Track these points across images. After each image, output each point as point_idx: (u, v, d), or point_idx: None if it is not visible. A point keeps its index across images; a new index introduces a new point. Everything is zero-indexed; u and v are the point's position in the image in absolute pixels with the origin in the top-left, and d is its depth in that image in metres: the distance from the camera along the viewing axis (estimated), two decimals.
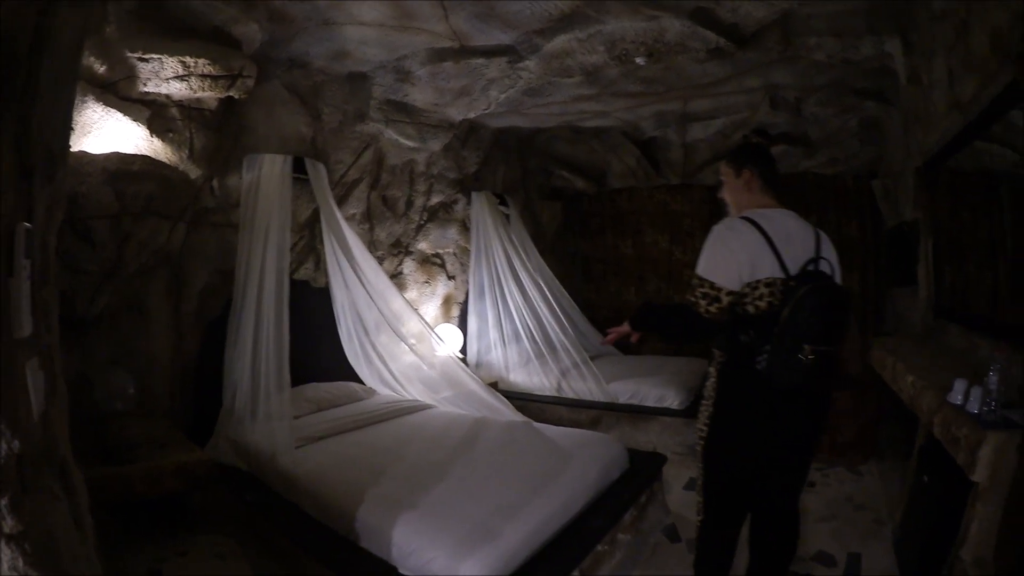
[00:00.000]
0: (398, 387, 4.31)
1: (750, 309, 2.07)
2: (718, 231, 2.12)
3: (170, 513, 2.80)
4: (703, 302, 2.07)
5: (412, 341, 4.41)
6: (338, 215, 4.00)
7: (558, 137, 6.60)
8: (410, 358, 4.42)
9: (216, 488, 2.93)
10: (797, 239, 2.10)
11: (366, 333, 4.25)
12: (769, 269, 2.03)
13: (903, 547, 3.07)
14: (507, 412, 4.06)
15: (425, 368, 4.43)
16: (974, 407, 2.14)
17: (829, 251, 2.19)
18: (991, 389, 2.09)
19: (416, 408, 4.00)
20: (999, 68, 2.38)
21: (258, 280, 3.52)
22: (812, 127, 5.91)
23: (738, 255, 2.04)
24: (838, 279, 2.18)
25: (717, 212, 6.72)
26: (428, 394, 4.27)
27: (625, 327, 2.39)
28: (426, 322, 4.52)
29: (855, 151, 6.17)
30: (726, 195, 2.38)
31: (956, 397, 2.27)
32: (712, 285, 2.05)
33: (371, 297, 4.10)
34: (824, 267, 2.11)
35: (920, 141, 3.91)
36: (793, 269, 2.04)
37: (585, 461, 3.02)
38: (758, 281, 2.04)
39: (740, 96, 5.25)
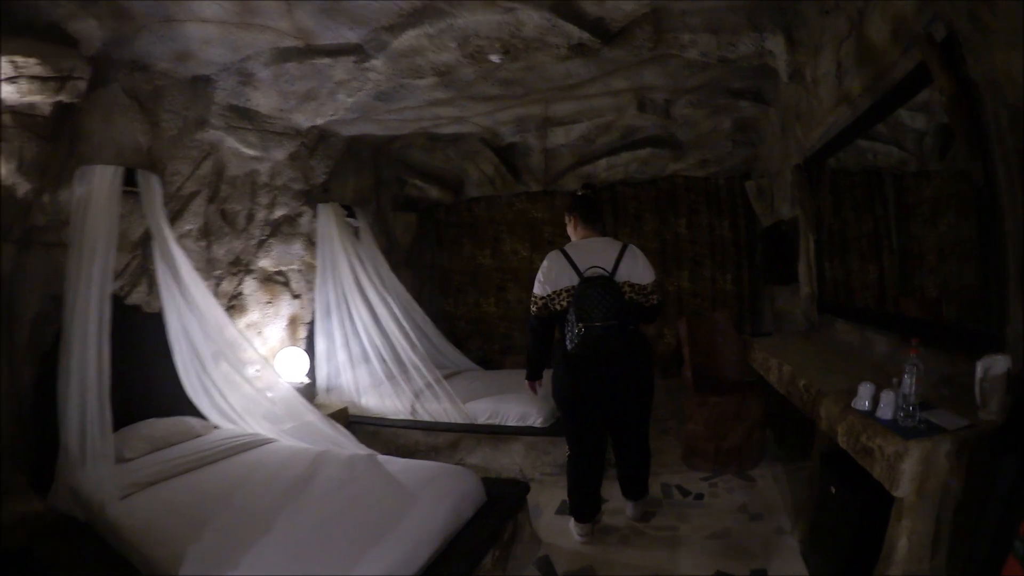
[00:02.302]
0: (239, 420, 4.37)
1: (556, 308, 3.47)
2: (546, 260, 3.58)
3: (23, 566, 2.81)
4: (532, 307, 3.56)
5: (254, 369, 4.53)
6: (167, 233, 4.04)
7: (413, 145, 6.85)
8: (251, 388, 4.49)
9: (59, 541, 2.96)
10: (598, 257, 3.46)
11: (201, 363, 4.26)
12: (568, 280, 3.45)
13: (815, 561, 3.15)
14: (349, 444, 4.22)
15: (265, 399, 4.53)
16: (886, 413, 2.21)
17: (631, 259, 3.49)
18: (906, 393, 2.12)
19: (255, 443, 4.09)
20: (900, 56, 2.71)
21: (86, 306, 3.51)
22: (682, 129, 6.43)
23: (547, 274, 3.51)
24: (642, 277, 3.49)
25: None
26: (270, 427, 4.35)
27: (529, 387, 3.98)
28: (257, 351, 4.60)
29: (727, 152, 6.81)
30: (568, 231, 3.81)
31: (862, 403, 2.35)
32: (534, 295, 3.55)
33: (200, 325, 4.16)
34: (621, 271, 3.43)
35: (800, 139, 4.42)
36: (567, 283, 3.45)
37: (433, 500, 3.06)
38: (560, 289, 3.46)
39: (606, 98, 5.58)
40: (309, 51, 4.00)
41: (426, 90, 4.89)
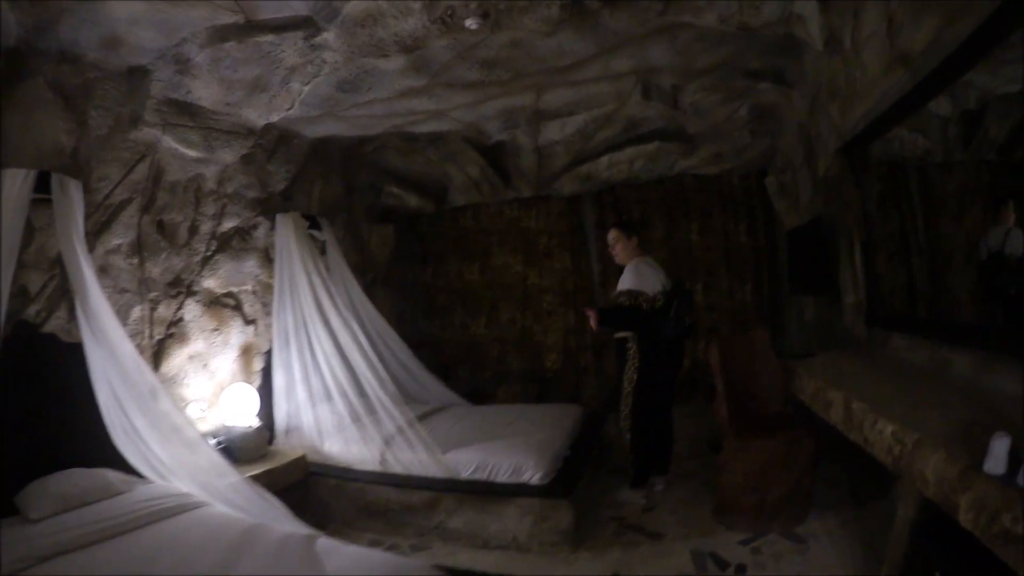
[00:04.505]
0: (169, 475, 3.96)
1: (657, 304, 4.69)
2: (637, 267, 4.84)
3: None
4: (644, 304, 4.70)
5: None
6: (78, 248, 3.71)
7: (388, 147, 6.60)
8: (187, 435, 4.04)
9: None
10: (661, 271, 4.96)
11: (121, 406, 3.89)
12: (662, 286, 4.80)
13: None
14: (281, 516, 3.71)
15: (194, 451, 4.04)
16: None
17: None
18: None
19: (181, 508, 3.63)
20: None
21: None
22: (692, 120, 6.13)
23: (652, 278, 4.80)
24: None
25: (579, 228, 7.22)
26: (202, 486, 3.90)
27: (592, 318, 4.82)
28: (168, 399, 4.09)
29: (744, 145, 6.51)
30: (617, 250, 5.05)
31: (997, 465, 1.76)
32: (645, 294, 4.71)
33: (114, 362, 3.81)
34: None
35: (837, 120, 4.11)
36: (660, 287, 4.80)
37: None
38: (657, 291, 4.74)
39: (605, 84, 5.34)
40: (250, 27, 3.78)
41: (395, 76, 4.65)
